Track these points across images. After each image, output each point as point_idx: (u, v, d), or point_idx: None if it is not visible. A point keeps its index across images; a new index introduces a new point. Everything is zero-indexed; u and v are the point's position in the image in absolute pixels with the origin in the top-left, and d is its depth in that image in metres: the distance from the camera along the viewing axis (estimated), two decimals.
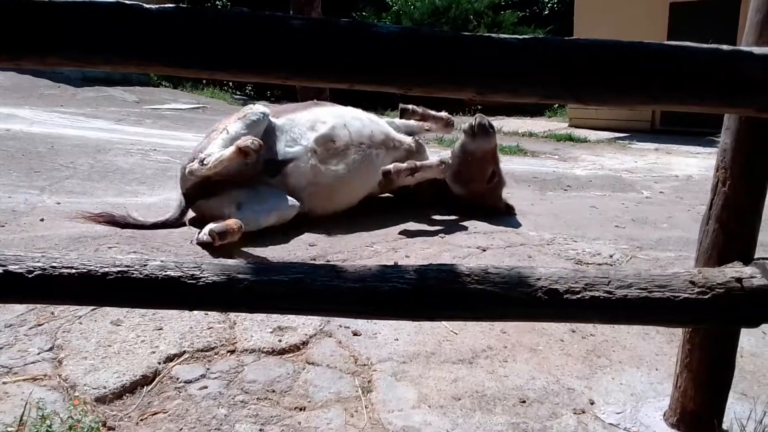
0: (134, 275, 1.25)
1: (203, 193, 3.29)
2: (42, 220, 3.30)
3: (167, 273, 1.27)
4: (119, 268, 1.26)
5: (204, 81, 14.05)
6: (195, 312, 2.32)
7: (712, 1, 9.96)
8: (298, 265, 1.33)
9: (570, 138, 9.55)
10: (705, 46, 1.21)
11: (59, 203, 3.74)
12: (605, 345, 2.28)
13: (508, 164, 6.63)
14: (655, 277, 1.40)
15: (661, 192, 5.47)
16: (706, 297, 1.39)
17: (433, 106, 4.06)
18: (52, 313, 2.28)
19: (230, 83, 15.55)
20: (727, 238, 1.50)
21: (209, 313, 2.33)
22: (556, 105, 15.87)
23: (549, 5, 18.77)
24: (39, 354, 2.01)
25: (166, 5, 1.10)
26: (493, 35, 1.17)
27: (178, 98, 11.19)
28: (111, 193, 4.15)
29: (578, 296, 1.36)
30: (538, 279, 1.37)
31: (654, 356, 2.21)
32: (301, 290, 1.30)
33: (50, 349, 2.04)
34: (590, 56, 1.16)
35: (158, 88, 12.13)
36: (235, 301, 1.31)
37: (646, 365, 2.14)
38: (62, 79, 10.52)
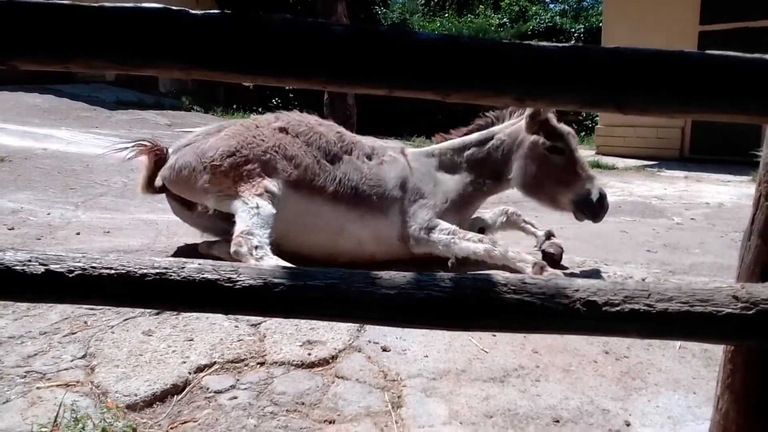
0: (172, 277, 1.27)
1: None
2: (78, 234, 3.37)
3: (204, 276, 1.28)
4: (157, 270, 1.27)
5: (234, 106, 14.31)
6: (225, 324, 2.34)
7: (742, 29, 9.90)
8: (333, 270, 1.33)
9: (597, 165, 9.48)
10: (747, 55, 1.20)
11: (93, 218, 3.82)
12: (640, 367, 2.22)
13: None
14: (697, 291, 1.36)
15: (692, 218, 5.38)
16: (750, 313, 1.34)
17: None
18: (86, 323, 2.31)
19: (259, 109, 15.79)
20: None
21: (239, 325, 2.34)
22: (583, 133, 15.80)
23: (575, 35, 18.81)
24: (72, 361, 2.03)
25: (211, 11, 1.13)
26: (533, 43, 1.18)
27: (208, 122, 11.39)
28: (143, 209, 4.22)
29: (617, 309, 1.33)
30: (576, 290, 1.34)
31: (691, 380, 2.15)
32: (336, 296, 1.30)
33: (83, 356, 2.06)
34: (632, 64, 1.16)
35: (189, 112, 12.38)
36: (271, 306, 1.31)
37: (683, 388, 2.08)
38: (97, 102, 10.83)
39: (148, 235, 3.49)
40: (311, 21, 1.15)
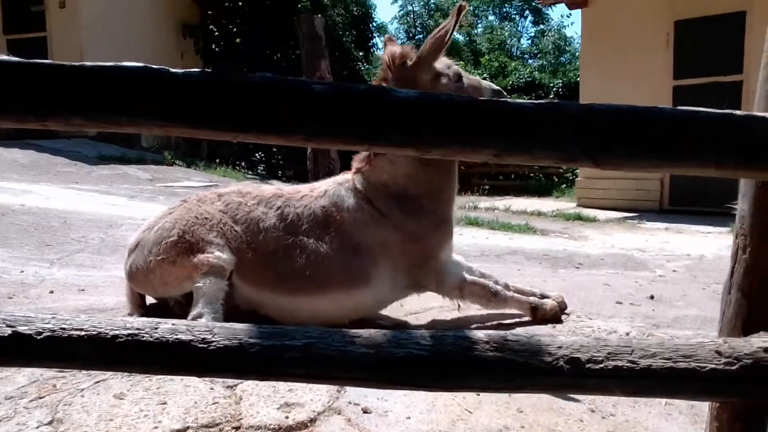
0: (144, 338, 1.23)
1: None
2: (51, 292, 3.29)
3: (178, 336, 1.24)
4: (129, 331, 1.23)
5: (217, 160, 14.36)
6: (200, 385, 2.26)
7: (717, 16, 10.22)
8: (311, 329, 1.30)
9: (579, 217, 9.58)
10: (719, 111, 1.23)
11: (68, 276, 3.74)
12: (626, 425, 2.18)
13: (517, 242, 6.63)
14: (680, 346, 1.35)
15: (674, 270, 5.41)
16: (734, 368, 1.33)
17: None
18: (54, 386, 2.22)
19: (242, 163, 15.86)
20: (751, 306, 1.46)
21: (215, 387, 2.27)
22: (564, 185, 16.04)
23: (554, 89, 19.37)
24: (37, 428, 1.94)
25: (192, 69, 1.14)
26: (509, 100, 1.19)
27: (191, 176, 11.39)
28: (120, 266, 4.14)
29: (601, 366, 1.31)
30: (559, 347, 1.32)
31: None
32: (314, 355, 1.26)
33: (50, 422, 1.97)
34: (606, 120, 1.18)
35: (172, 166, 12.36)
36: (246, 367, 1.27)
37: None
38: (78, 157, 10.79)
39: (125, 292, 3.41)
40: (291, 79, 1.16)
